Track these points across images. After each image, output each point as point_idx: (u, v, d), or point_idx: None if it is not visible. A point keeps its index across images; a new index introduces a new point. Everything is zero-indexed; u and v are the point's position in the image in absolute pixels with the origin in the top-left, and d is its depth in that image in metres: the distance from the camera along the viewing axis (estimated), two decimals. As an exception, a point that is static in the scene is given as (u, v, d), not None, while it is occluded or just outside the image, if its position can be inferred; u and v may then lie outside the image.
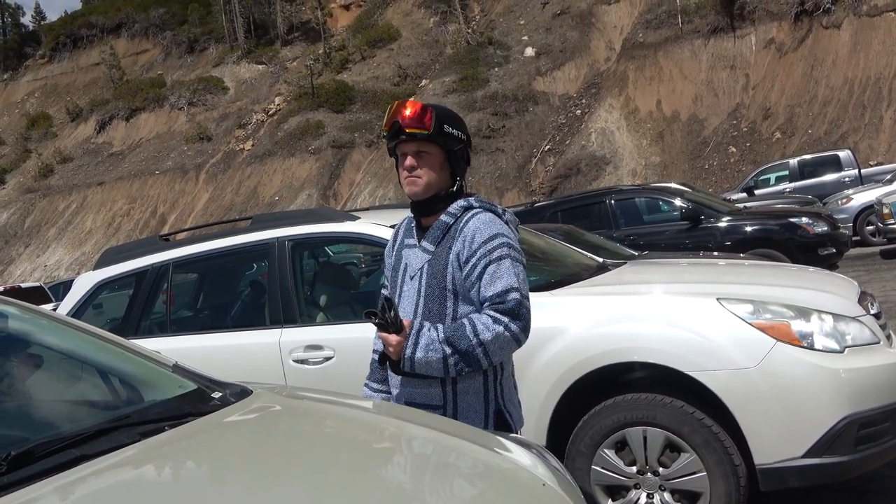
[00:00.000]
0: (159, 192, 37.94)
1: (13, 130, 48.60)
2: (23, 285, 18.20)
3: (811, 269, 4.51)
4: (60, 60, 53.49)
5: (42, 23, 61.45)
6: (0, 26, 61.33)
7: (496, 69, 33.45)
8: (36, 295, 16.07)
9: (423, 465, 1.86)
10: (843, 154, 17.14)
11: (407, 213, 2.66)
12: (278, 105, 39.73)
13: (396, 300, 2.51)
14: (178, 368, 2.34)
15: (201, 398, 2.17)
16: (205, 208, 35.43)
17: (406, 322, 2.34)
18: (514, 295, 2.29)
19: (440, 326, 2.33)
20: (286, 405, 2.23)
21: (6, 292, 16.84)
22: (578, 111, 30.46)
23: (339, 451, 1.89)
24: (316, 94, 36.40)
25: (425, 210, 2.48)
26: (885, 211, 11.64)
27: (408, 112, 2.37)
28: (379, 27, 41.45)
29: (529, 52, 33.96)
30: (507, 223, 2.45)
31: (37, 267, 37.51)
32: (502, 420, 2.40)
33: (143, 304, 4.34)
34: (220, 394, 2.20)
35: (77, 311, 4.54)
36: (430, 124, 2.37)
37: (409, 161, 2.41)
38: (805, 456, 3.00)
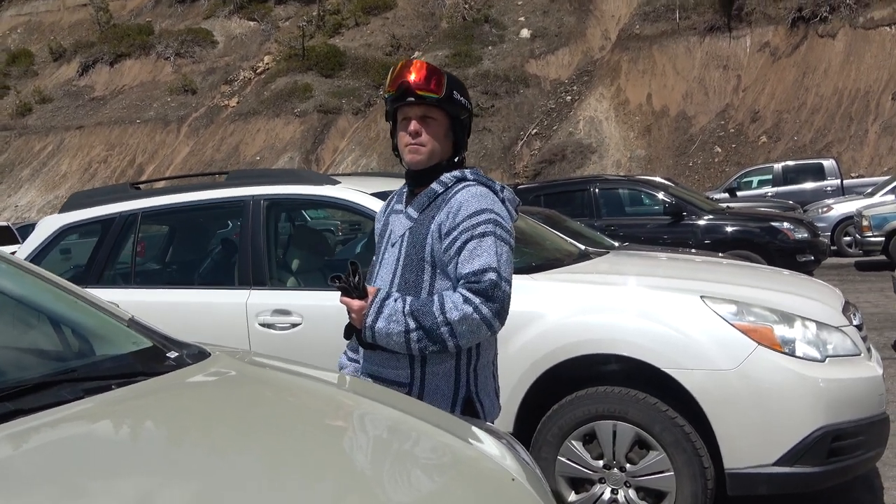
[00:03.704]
0: (139, 141, 37.28)
1: (-8, 65, 47.44)
2: (-10, 224, 17.81)
3: (786, 272, 4.44)
4: (46, -2, 52.22)
5: (30, -43, 59.85)
6: (-14, -43, 59.66)
7: (490, 48, 33.11)
8: (3, 235, 15.75)
9: (380, 449, 1.74)
10: (828, 163, 17.21)
11: (390, 182, 2.54)
12: (267, 64, 39.09)
13: (377, 267, 2.38)
14: (133, 323, 2.20)
15: (156, 357, 2.04)
16: (184, 162, 34.88)
17: (371, 290, 2.21)
18: (491, 275, 2.12)
19: (408, 298, 2.19)
20: (245, 371, 2.10)
21: (-27, 229, 16.49)
22: (568, 97, 30.28)
23: (295, 424, 1.76)
24: (306, 56, 35.82)
25: (423, 180, 2.32)
26: (865, 223, 11.69)
27: (417, 74, 2.21)
28: (375, -6, 40.84)
29: (525, 33, 33.65)
30: (502, 201, 2.30)
31: (7, 206, 36.79)
32: (471, 409, 2.27)
33: (107, 253, 4.17)
34: (177, 354, 2.07)
35: (39, 255, 4.37)
36: (442, 88, 2.22)
37: (413, 125, 2.24)
38: (776, 464, 2.94)
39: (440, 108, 2.25)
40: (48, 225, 4.44)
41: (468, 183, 2.29)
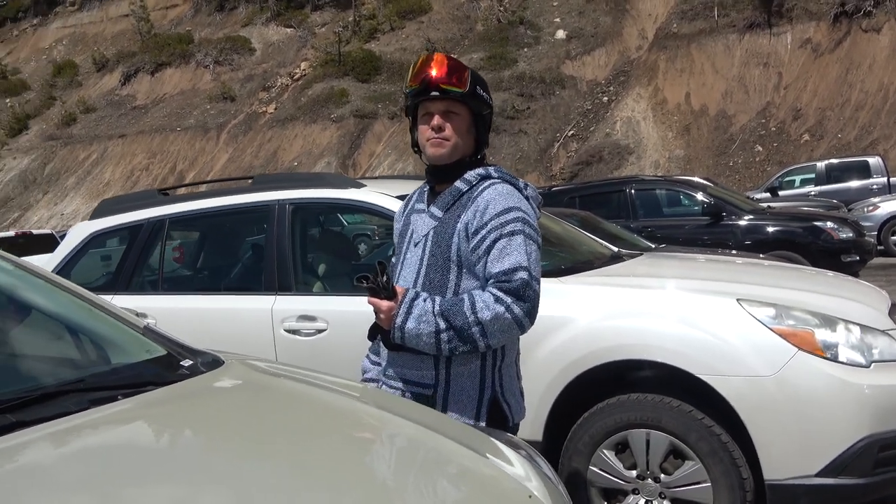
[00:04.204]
0: (179, 148, 37.84)
1: (39, 76, 48.56)
2: (34, 231, 18.22)
3: (830, 273, 4.27)
4: (90, 9, 53.28)
5: (74, -30, 61.19)
6: (32, -29, 61.07)
7: (525, 50, 32.95)
8: (47, 241, 16.06)
9: (398, 463, 1.67)
10: (873, 161, 16.75)
11: (418, 184, 2.49)
12: (304, 70, 39.41)
13: (399, 268, 2.33)
14: (148, 331, 2.16)
15: (169, 365, 1.99)
16: (223, 168, 35.30)
17: (399, 290, 2.17)
18: (522, 274, 2.09)
19: (437, 298, 2.15)
20: (259, 380, 2.04)
21: (19, 236, 16.87)
22: (605, 98, 29.99)
23: (309, 434, 1.70)
24: (342, 61, 36.05)
25: (445, 176, 2.28)
26: (913, 222, 11.32)
27: (439, 68, 2.17)
28: (410, -2, 40.91)
29: (560, 34, 33.42)
30: (527, 198, 2.25)
31: (54, 214, 37.59)
32: (498, 410, 2.22)
33: (136, 260, 4.17)
34: (191, 362, 2.02)
35: (70, 262, 4.39)
36: (466, 83, 2.18)
37: (436, 120, 2.20)
38: (819, 475, 2.80)
39: (463, 103, 2.22)
40: (78, 232, 4.46)
41: (494, 181, 2.25)
